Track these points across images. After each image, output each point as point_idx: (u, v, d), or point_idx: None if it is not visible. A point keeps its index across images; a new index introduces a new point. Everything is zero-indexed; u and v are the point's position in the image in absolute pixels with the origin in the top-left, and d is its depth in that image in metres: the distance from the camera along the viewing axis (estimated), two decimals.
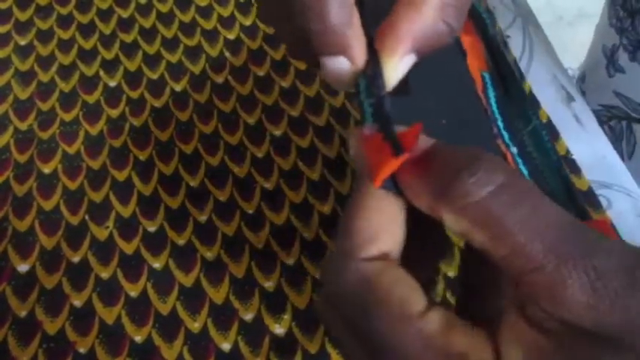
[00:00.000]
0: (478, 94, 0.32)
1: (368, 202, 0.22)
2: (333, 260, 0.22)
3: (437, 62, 0.27)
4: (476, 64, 0.35)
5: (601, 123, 0.59)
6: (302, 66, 0.46)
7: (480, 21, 0.35)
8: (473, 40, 0.36)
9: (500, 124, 0.31)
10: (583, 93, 0.64)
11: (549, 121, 0.43)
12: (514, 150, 0.30)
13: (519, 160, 0.30)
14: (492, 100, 0.33)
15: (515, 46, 0.47)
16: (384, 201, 0.22)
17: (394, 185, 0.22)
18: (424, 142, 0.22)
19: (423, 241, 0.25)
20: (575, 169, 0.40)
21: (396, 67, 0.23)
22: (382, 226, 0.22)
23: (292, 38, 0.24)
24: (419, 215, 0.22)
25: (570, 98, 0.45)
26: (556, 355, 0.19)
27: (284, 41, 0.26)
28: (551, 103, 0.44)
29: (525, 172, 0.30)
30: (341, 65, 0.24)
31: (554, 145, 0.34)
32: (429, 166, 0.21)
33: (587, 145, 0.42)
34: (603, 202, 0.39)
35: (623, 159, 0.58)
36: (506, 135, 0.31)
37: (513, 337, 0.20)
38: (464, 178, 0.20)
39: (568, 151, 0.41)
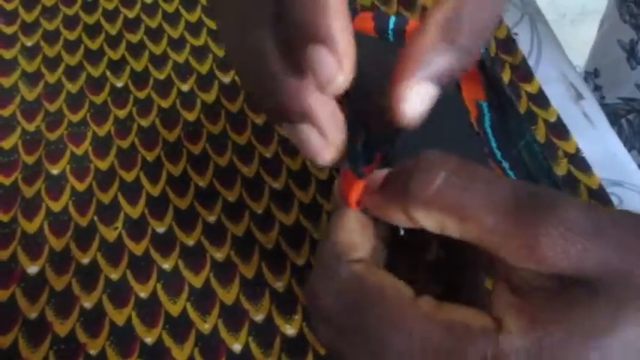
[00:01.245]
0: (471, 122, 0.33)
1: (344, 221, 0.24)
2: (319, 273, 0.24)
3: None
4: (471, 95, 0.36)
5: (619, 117, 0.59)
6: None
7: None
8: (469, 73, 0.36)
9: (494, 144, 0.32)
10: (597, 88, 0.64)
11: (558, 119, 0.42)
12: (505, 165, 0.31)
13: (510, 173, 0.30)
14: (487, 124, 0.33)
15: (524, 43, 0.47)
16: (357, 220, 0.24)
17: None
18: (383, 172, 0.24)
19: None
20: (586, 167, 0.40)
21: (406, 98, 0.22)
22: (358, 238, 0.24)
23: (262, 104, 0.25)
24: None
25: (579, 96, 0.45)
26: (547, 307, 0.20)
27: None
28: (560, 101, 0.44)
29: None
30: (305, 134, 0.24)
31: (547, 158, 0.35)
32: (387, 183, 0.24)
33: (598, 143, 0.42)
34: (614, 200, 0.39)
35: None
36: (498, 153, 0.31)
37: (508, 304, 0.21)
38: (416, 176, 0.22)
39: (578, 149, 0.41)
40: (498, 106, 0.34)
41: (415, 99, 0.22)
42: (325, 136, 0.24)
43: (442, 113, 0.28)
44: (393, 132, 0.30)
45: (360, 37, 0.30)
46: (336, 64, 0.22)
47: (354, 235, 0.24)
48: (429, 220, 0.22)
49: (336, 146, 0.24)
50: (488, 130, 0.33)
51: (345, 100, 0.30)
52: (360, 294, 0.22)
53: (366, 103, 0.29)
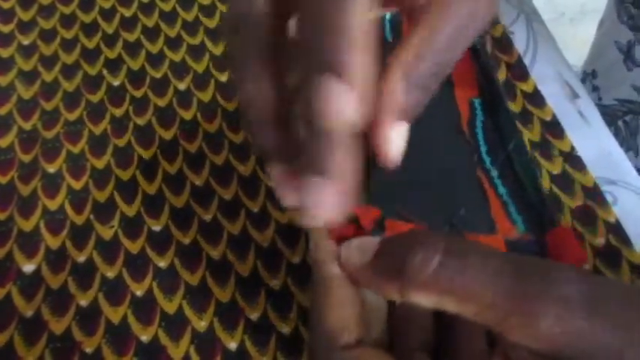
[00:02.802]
0: (462, 128, 0.33)
1: (331, 299, 0.24)
2: (315, 355, 0.24)
3: None
4: (465, 93, 0.36)
5: (616, 118, 0.59)
6: None
7: (472, 45, 0.36)
8: (464, 67, 0.36)
9: (484, 149, 0.32)
10: (595, 88, 0.64)
11: (554, 118, 0.42)
12: (494, 173, 0.31)
13: (498, 182, 0.31)
14: (479, 129, 0.34)
15: (519, 42, 0.47)
16: (345, 294, 0.24)
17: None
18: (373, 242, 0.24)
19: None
20: (580, 165, 0.40)
21: (390, 139, 0.23)
22: (348, 317, 0.24)
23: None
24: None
25: (575, 95, 0.45)
26: None
27: None
28: (555, 100, 0.44)
29: (504, 190, 0.31)
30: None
31: (535, 158, 0.35)
32: (380, 260, 0.23)
33: (593, 142, 0.42)
34: (609, 198, 0.39)
35: (637, 154, 0.58)
36: (487, 160, 0.32)
37: None
38: (410, 260, 0.22)
39: (573, 148, 0.41)
40: (490, 100, 0.34)
41: (397, 139, 0.23)
42: (338, 195, 0.22)
43: (431, 121, 0.28)
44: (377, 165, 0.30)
45: None
46: (350, 102, 0.20)
47: (344, 312, 0.24)
48: (425, 301, 0.22)
49: (341, 210, 0.23)
50: (480, 133, 0.33)
51: None
52: None
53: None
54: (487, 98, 0.34)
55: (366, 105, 0.21)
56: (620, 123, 0.60)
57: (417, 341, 0.26)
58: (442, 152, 0.32)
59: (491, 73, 0.35)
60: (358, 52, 0.20)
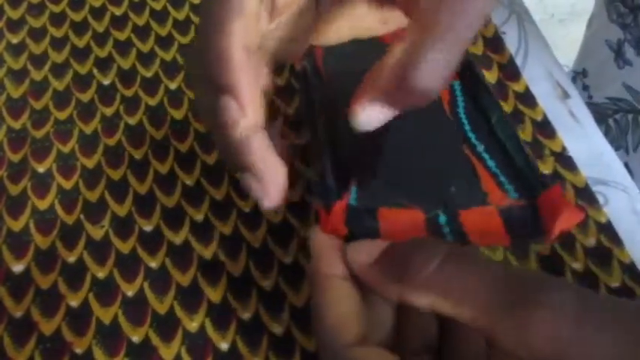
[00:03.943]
0: (443, 109, 0.33)
1: (331, 296, 0.25)
2: (323, 355, 0.25)
3: None
4: None
5: (606, 117, 0.59)
6: (299, 64, 0.45)
7: None
8: None
9: (467, 127, 0.32)
10: (586, 87, 0.64)
11: (545, 118, 0.43)
12: (480, 148, 0.31)
13: (486, 156, 0.31)
14: (460, 108, 0.34)
15: (511, 42, 0.47)
16: (344, 291, 0.25)
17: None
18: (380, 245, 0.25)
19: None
20: (572, 165, 0.40)
21: (357, 115, 0.25)
22: (348, 313, 0.25)
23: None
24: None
25: (566, 95, 0.45)
26: None
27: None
28: (546, 100, 0.44)
29: (492, 163, 0.30)
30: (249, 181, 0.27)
31: (517, 128, 0.35)
32: (383, 261, 0.25)
33: (584, 142, 0.42)
34: (600, 198, 0.39)
35: (627, 152, 0.58)
36: (472, 136, 0.32)
37: None
38: (413, 260, 0.23)
39: (564, 148, 0.41)
40: (470, 82, 0.34)
41: (364, 118, 0.25)
42: (265, 184, 0.26)
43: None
44: (364, 154, 0.30)
45: (342, 46, 0.31)
46: (240, 111, 0.25)
47: (341, 309, 0.25)
48: (423, 301, 0.23)
49: (275, 195, 0.26)
50: (462, 112, 0.33)
51: (313, 130, 0.31)
52: None
53: (338, 117, 0.30)
54: (467, 82, 0.34)
55: (258, 111, 0.26)
56: (610, 121, 0.60)
57: (420, 343, 0.26)
58: (427, 134, 0.32)
59: (467, 57, 0.34)
60: (241, 74, 0.25)
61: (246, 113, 0.25)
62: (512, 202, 0.29)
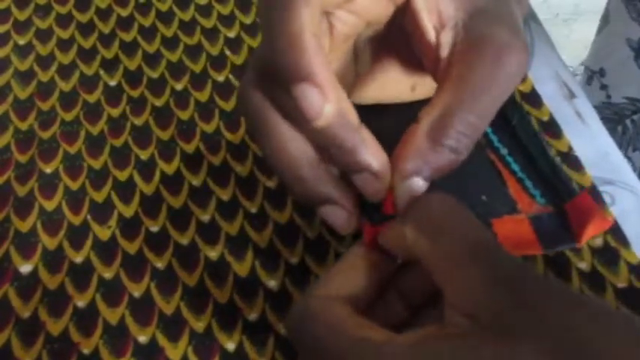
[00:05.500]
0: None
1: (349, 260, 0.26)
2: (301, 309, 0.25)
3: None
4: None
5: (624, 117, 0.59)
6: None
7: None
8: None
9: (489, 129, 0.32)
10: (604, 87, 0.64)
11: (551, 118, 0.43)
12: (504, 151, 0.31)
13: (510, 159, 0.31)
14: None
15: None
16: (361, 261, 0.26)
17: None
18: None
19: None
20: (578, 165, 0.40)
21: (404, 189, 0.25)
22: (351, 278, 0.25)
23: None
24: None
25: (572, 94, 0.45)
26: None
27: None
28: (553, 100, 0.44)
29: (517, 167, 0.30)
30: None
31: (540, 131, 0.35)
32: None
33: (590, 142, 0.42)
34: (607, 198, 0.39)
35: None
36: (495, 139, 0.31)
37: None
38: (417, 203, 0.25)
39: (570, 148, 0.41)
40: None
41: (403, 191, 0.25)
42: (350, 214, 0.27)
43: None
44: None
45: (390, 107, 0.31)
46: (321, 96, 0.23)
47: (349, 275, 0.25)
48: (412, 235, 0.24)
49: (354, 220, 0.27)
50: None
51: None
52: (336, 345, 0.23)
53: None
54: None
55: (343, 97, 0.24)
56: (627, 122, 0.60)
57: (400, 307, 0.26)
58: None
59: None
60: (316, 57, 0.23)
61: (329, 97, 0.23)
62: (540, 209, 0.28)
